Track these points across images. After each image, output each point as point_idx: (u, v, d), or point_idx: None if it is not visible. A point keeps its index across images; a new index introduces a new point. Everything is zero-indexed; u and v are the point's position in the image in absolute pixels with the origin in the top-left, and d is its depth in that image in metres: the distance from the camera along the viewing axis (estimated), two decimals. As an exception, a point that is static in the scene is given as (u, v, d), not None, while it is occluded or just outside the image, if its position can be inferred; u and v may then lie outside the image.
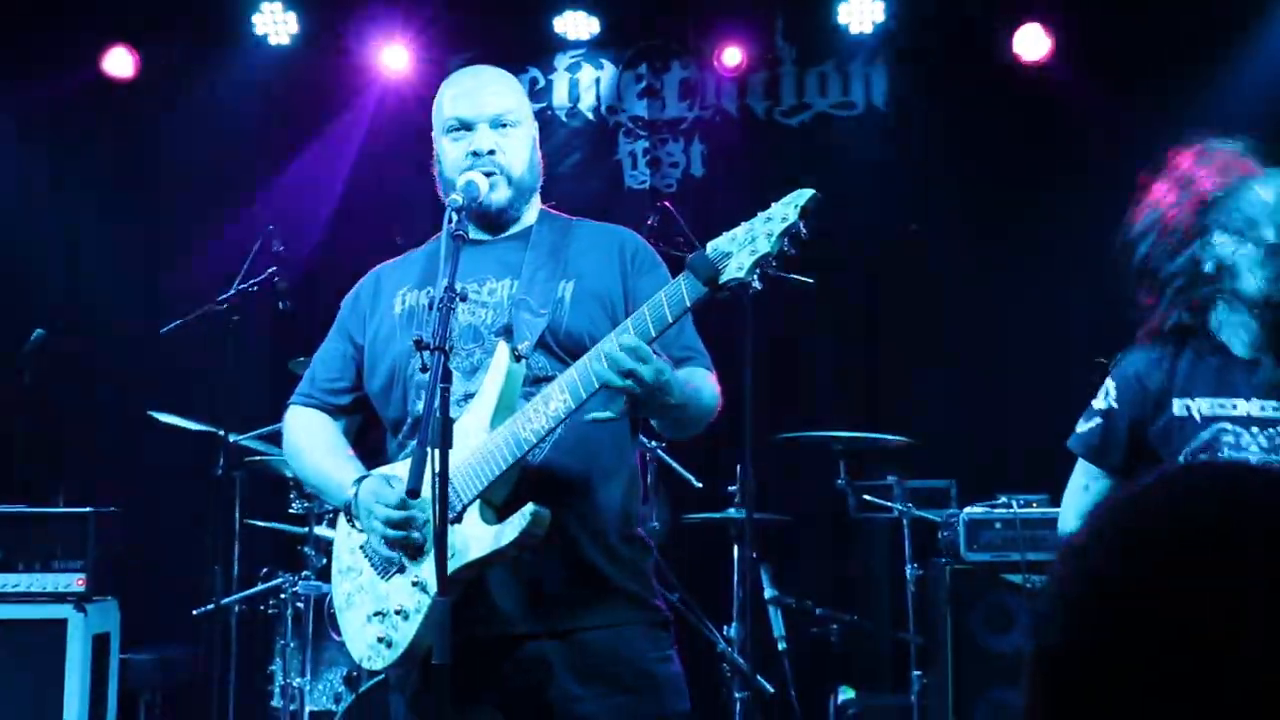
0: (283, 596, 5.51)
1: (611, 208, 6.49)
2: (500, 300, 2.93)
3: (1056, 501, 5.60)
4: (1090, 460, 3.26)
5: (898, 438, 5.77)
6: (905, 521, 5.88)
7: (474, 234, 2.95)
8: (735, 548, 5.79)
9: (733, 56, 7.16)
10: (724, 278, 2.49)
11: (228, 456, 5.59)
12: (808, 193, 2.49)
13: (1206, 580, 0.94)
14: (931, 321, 6.89)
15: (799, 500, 6.25)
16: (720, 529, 5.87)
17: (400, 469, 2.82)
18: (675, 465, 5.68)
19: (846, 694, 5.92)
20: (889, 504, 5.96)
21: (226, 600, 5.61)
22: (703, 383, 2.87)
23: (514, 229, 3.05)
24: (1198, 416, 3.09)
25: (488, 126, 2.97)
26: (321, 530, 5.42)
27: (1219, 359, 3.13)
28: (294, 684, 5.38)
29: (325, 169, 7.25)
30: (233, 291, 5.53)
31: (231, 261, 5.73)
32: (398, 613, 2.82)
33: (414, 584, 2.80)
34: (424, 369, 2.59)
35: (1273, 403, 3.06)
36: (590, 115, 7.45)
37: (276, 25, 7.22)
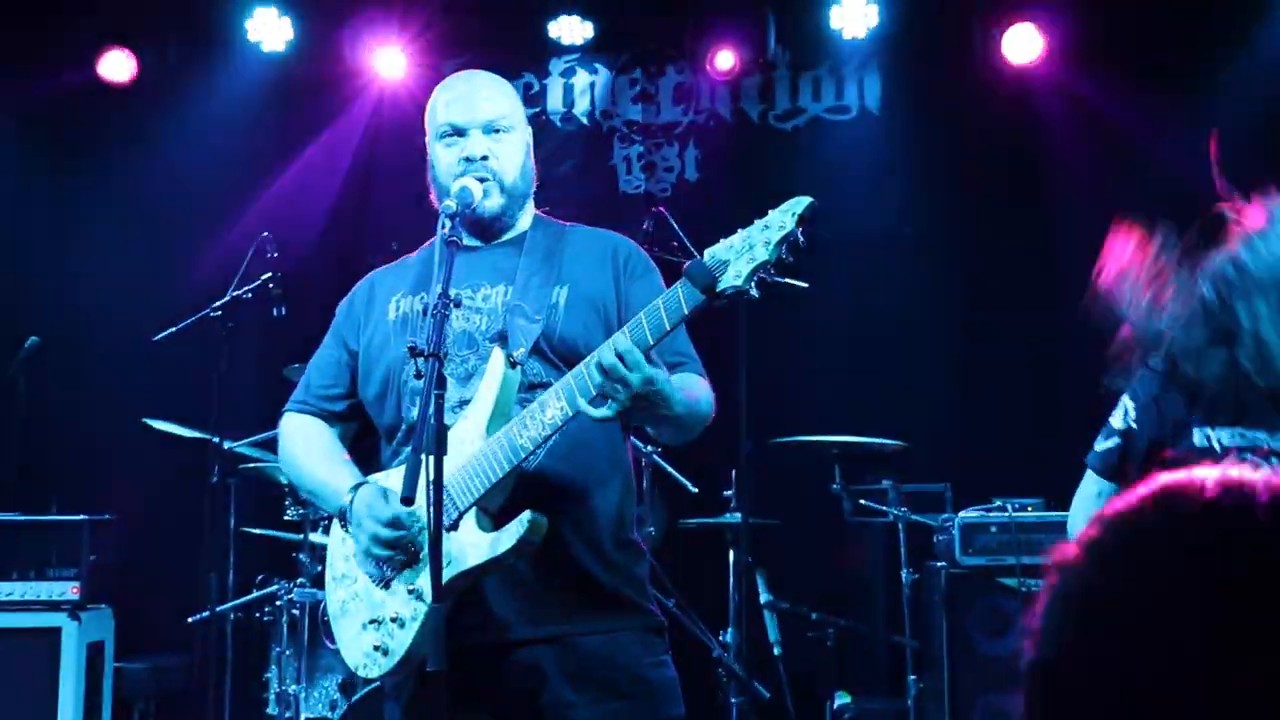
0: (278, 604, 5.51)
1: (606, 212, 6.48)
2: (495, 306, 2.93)
3: (1052, 505, 5.65)
4: (1107, 478, 3.27)
5: (893, 442, 5.78)
6: (900, 525, 5.88)
7: (468, 240, 2.96)
8: (731, 552, 5.80)
9: (725, 60, 7.16)
10: (722, 286, 2.49)
11: (222, 463, 5.57)
12: (805, 200, 2.49)
13: (1202, 595, 0.95)
14: (926, 325, 6.88)
15: (794, 505, 6.24)
16: (716, 534, 5.88)
17: (394, 476, 2.82)
18: (671, 470, 5.69)
19: (842, 699, 5.92)
20: (884, 508, 5.96)
21: (221, 608, 5.59)
22: (698, 388, 2.87)
23: (508, 235, 3.05)
24: (1217, 448, 3.10)
25: (481, 132, 2.97)
26: (316, 537, 5.41)
27: (1240, 384, 3.12)
28: (289, 691, 5.37)
29: (320, 175, 7.24)
30: (227, 298, 5.51)
31: (226, 268, 5.72)
32: (394, 620, 2.82)
33: (410, 591, 2.80)
34: (419, 375, 2.58)
35: None
36: (585, 120, 7.46)
37: (271, 31, 7.20)
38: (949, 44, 7.07)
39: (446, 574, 2.58)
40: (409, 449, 2.63)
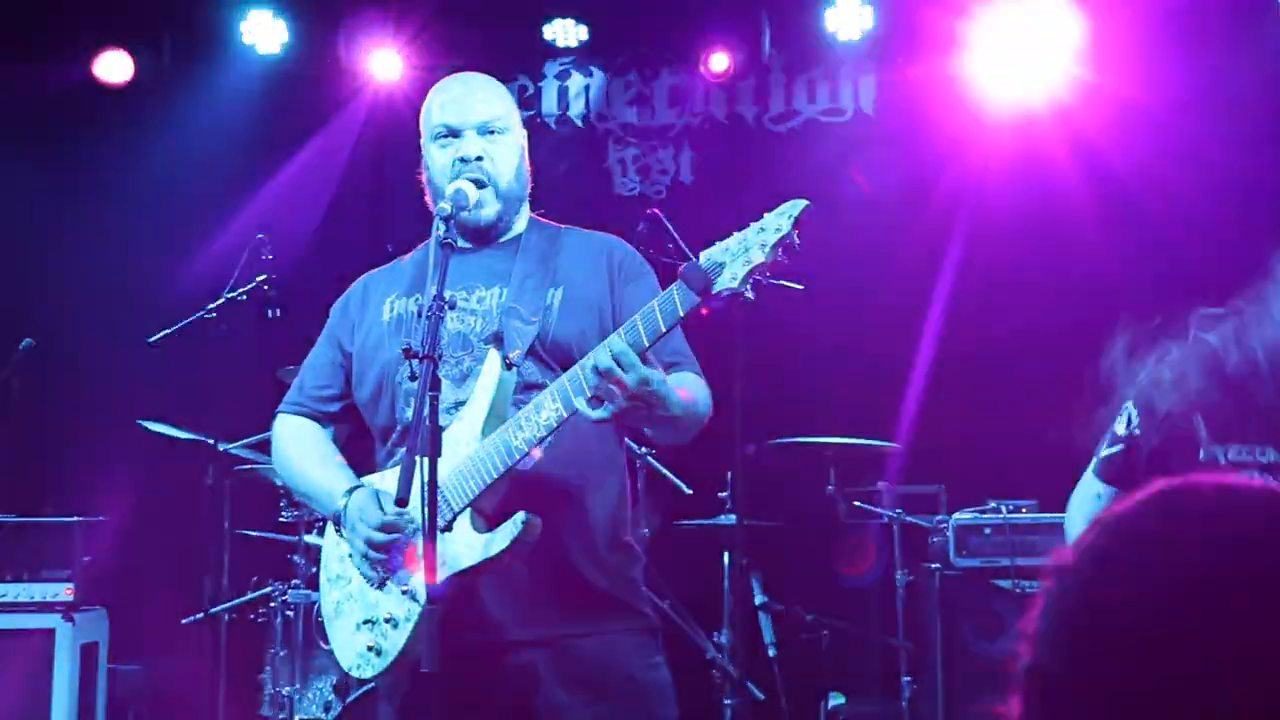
0: (272, 605, 5.51)
1: (601, 215, 6.45)
2: (490, 308, 2.94)
3: (1046, 507, 5.66)
4: (1110, 484, 3.29)
5: (888, 444, 5.80)
6: (895, 527, 5.89)
7: (462, 243, 2.96)
8: (725, 554, 5.80)
9: (719, 62, 7.15)
10: (717, 287, 2.50)
11: (217, 465, 5.59)
12: (801, 203, 2.50)
13: (1198, 602, 0.95)
14: (921, 327, 6.89)
15: (789, 506, 6.24)
16: (710, 535, 5.88)
17: (389, 478, 2.82)
18: (666, 472, 5.69)
19: (836, 700, 5.92)
20: (879, 510, 5.97)
21: (216, 609, 5.60)
22: (695, 388, 2.88)
23: (503, 237, 3.06)
24: (1222, 460, 3.11)
25: (475, 133, 2.98)
26: (311, 538, 5.41)
27: (1238, 396, 3.14)
28: (284, 693, 5.37)
29: (315, 177, 7.24)
30: (222, 299, 5.52)
31: (221, 269, 5.73)
32: (387, 621, 2.83)
33: (404, 592, 2.81)
34: (413, 377, 2.59)
35: None
36: (579, 123, 7.46)
37: (265, 33, 7.19)
38: (943, 45, 7.06)
39: (440, 575, 2.58)
40: (403, 450, 2.63)
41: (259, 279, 5.55)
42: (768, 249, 2.47)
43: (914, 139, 7.15)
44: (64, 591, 5.66)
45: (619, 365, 2.52)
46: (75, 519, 5.80)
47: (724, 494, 5.88)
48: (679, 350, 2.95)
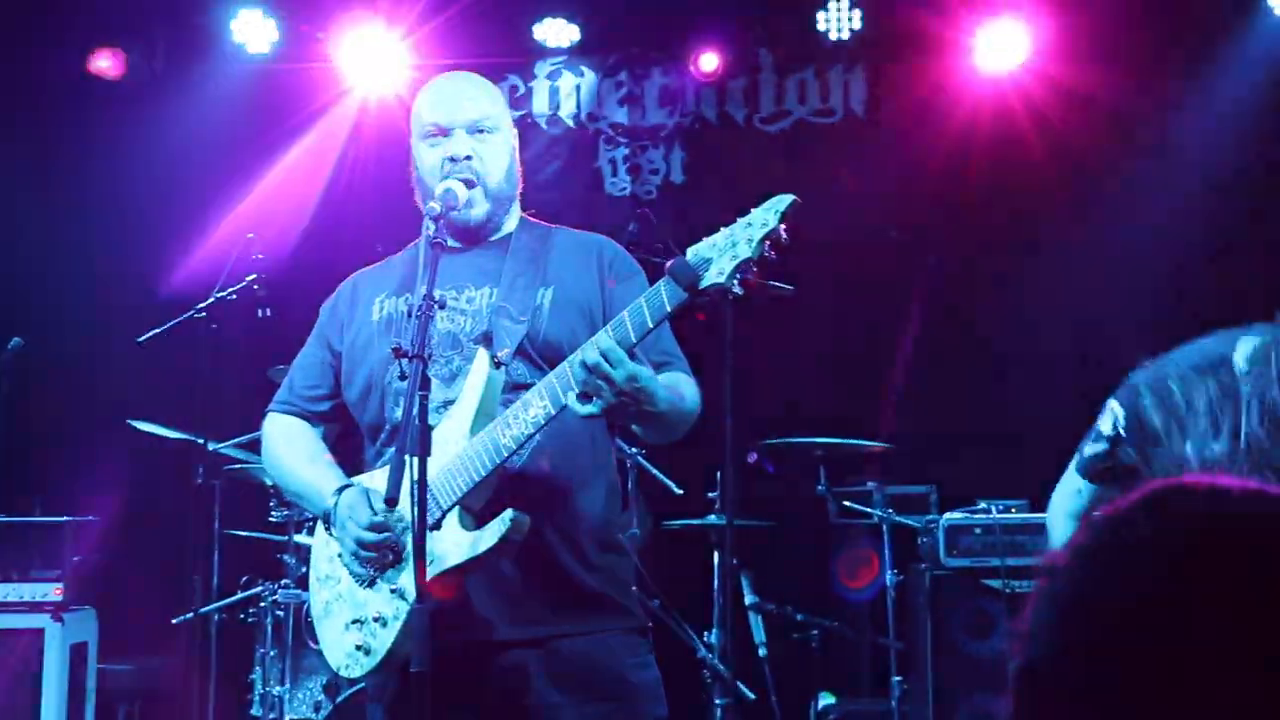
0: (262, 604, 5.51)
1: (591, 215, 6.49)
2: (479, 308, 2.95)
3: (1035, 508, 5.67)
4: (1093, 482, 3.30)
5: (878, 444, 5.80)
6: (885, 527, 5.90)
7: (452, 242, 2.98)
8: (716, 554, 5.80)
9: (709, 62, 7.16)
10: (704, 283, 2.50)
11: (207, 465, 5.58)
12: (788, 198, 2.50)
13: (1190, 601, 0.95)
14: (910, 327, 6.89)
15: (779, 506, 6.25)
16: (701, 535, 5.88)
17: (379, 477, 2.83)
18: (655, 472, 5.69)
19: (827, 699, 5.95)
20: (869, 510, 5.98)
21: (206, 609, 5.61)
22: (684, 387, 2.88)
23: (493, 237, 3.07)
24: (1198, 463, 3.12)
25: (464, 132, 2.98)
26: (301, 538, 5.41)
27: (1231, 399, 3.14)
28: (274, 692, 5.38)
29: (304, 176, 7.23)
30: (212, 299, 5.52)
31: (211, 269, 5.72)
32: (376, 620, 2.83)
33: (393, 591, 2.81)
34: (402, 376, 2.59)
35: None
36: (570, 122, 7.46)
37: (255, 33, 7.18)
38: (933, 45, 7.08)
39: (429, 573, 2.59)
40: (392, 449, 2.64)
41: (249, 278, 5.56)
42: (754, 244, 2.47)
43: (903, 139, 7.16)
44: (53, 591, 5.66)
45: (606, 361, 2.52)
46: (64, 519, 5.79)
47: (713, 494, 5.89)
48: (669, 350, 2.96)
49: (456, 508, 2.73)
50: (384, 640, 2.81)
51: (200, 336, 5.51)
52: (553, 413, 2.63)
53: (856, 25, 7.08)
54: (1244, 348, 3.11)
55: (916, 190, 7.07)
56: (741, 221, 2.52)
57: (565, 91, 7.46)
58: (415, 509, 2.48)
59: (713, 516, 5.80)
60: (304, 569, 5.30)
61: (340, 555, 2.92)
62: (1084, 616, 1.01)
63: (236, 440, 5.62)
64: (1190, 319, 3.22)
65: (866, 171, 7.10)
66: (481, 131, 2.99)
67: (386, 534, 2.78)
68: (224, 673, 5.79)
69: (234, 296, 5.54)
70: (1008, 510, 5.71)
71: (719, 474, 5.72)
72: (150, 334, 5.58)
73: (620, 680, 2.85)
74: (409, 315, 2.83)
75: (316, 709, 5.34)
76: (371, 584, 2.85)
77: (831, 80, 7.35)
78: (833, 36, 7.12)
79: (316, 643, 3.06)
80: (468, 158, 2.96)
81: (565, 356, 2.68)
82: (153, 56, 7.26)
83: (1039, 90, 6.93)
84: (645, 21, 7.38)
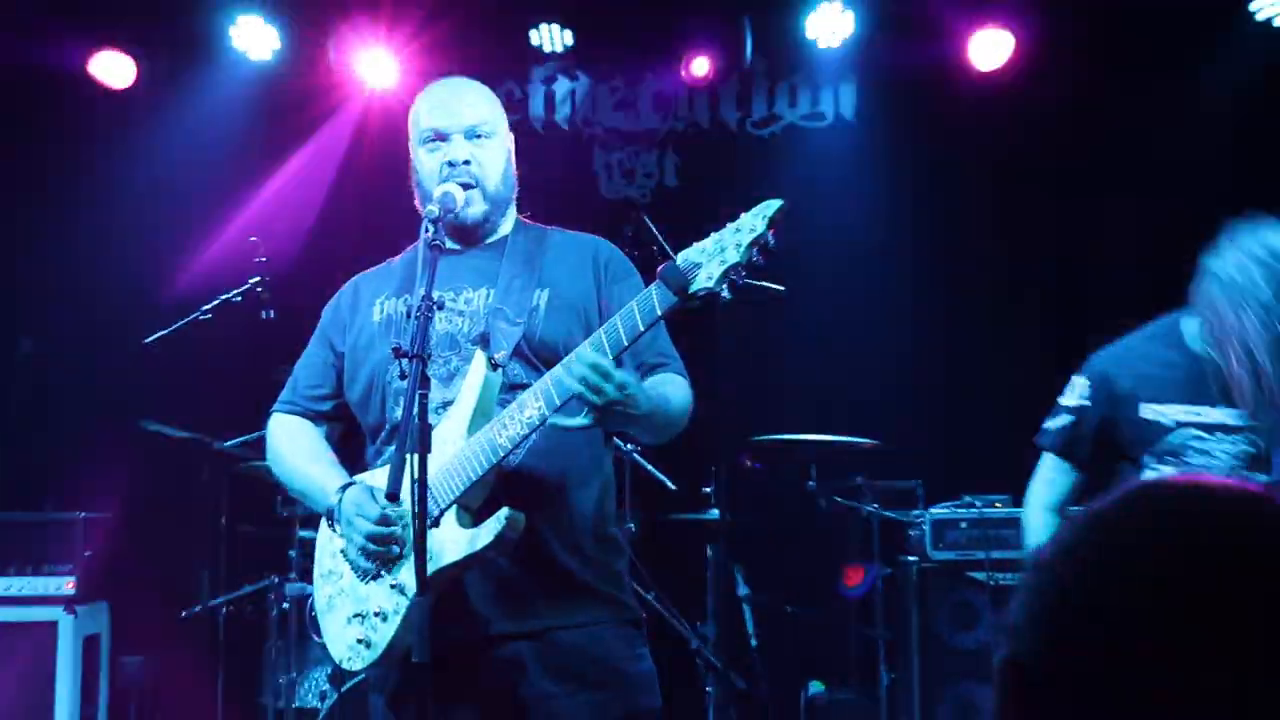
0: (269, 598, 5.55)
1: (586, 219, 6.53)
2: (477, 309, 2.97)
3: (1019, 502, 5.69)
4: (1059, 455, 3.38)
5: (866, 440, 5.83)
6: (874, 521, 5.96)
7: (450, 244, 3.00)
8: (709, 548, 5.85)
9: (700, 66, 7.10)
10: (694, 287, 2.52)
11: (214, 462, 5.62)
12: (776, 203, 2.51)
13: (1174, 597, 0.97)
14: (899, 327, 6.93)
15: (771, 502, 6.30)
16: (695, 530, 5.92)
17: (379, 476, 2.85)
18: (650, 468, 5.70)
19: (816, 688, 5.97)
20: (858, 505, 6.04)
21: (214, 602, 5.65)
22: (674, 389, 2.91)
23: (490, 239, 3.09)
24: (1167, 421, 3.22)
25: (463, 137, 3.01)
26: (306, 533, 5.42)
27: (1189, 363, 3.26)
28: (281, 683, 5.41)
29: (307, 181, 7.19)
30: (217, 301, 5.53)
31: (215, 272, 5.75)
32: (377, 614, 2.84)
33: (393, 587, 2.83)
34: (402, 376, 2.60)
35: (1237, 411, 3.16)
36: (565, 127, 7.44)
37: (256, 39, 7.11)
38: (923, 51, 7.08)
39: (428, 569, 2.58)
40: (392, 448, 2.67)
41: (252, 281, 5.56)
42: (743, 249, 2.48)
43: (893, 143, 7.20)
44: (66, 585, 5.68)
45: (597, 374, 2.56)
46: (77, 515, 5.82)
47: (708, 489, 5.95)
48: (663, 351, 2.98)
49: (454, 506, 2.75)
50: (384, 634, 2.82)
51: (206, 338, 5.51)
52: (547, 414, 2.65)
53: (847, 31, 7.02)
54: (1189, 326, 3.25)
55: (905, 193, 7.14)
56: (730, 227, 2.53)
57: (560, 96, 7.44)
58: (415, 505, 2.50)
59: (707, 512, 5.87)
60: (309, 563, 5.38)
61: (344, 551, 2.92)
62: (1068, 613, 1.01)
63: (242, 439, 5.61)
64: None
65: (856, 175, 7.15)
66: (479, 136, 3.02)
67: (393, 528, 2.80)
68: (232, 664, 5.82)
69: (238, 299, 5.54)
70: (992, 504, 5.77)
71: (714, 471, 5.78)
72: (157, 336, 5.57)
73: (615, 671, 2.87)
74: (408, 316, 2.83)
75: (322, 699, 5.38)
76: (374, 579, 2.86)
77: (822, 85, 7.36)
78: (823, 43, 7.07)
79: (320, 635, 3.12)
80: (466, 162, 2.99)
81: (561, 357, 2.69)
82: (154, 62, 7.25)
83: (1027, 96, 6.94)
84: (638, 27, 7.32)
